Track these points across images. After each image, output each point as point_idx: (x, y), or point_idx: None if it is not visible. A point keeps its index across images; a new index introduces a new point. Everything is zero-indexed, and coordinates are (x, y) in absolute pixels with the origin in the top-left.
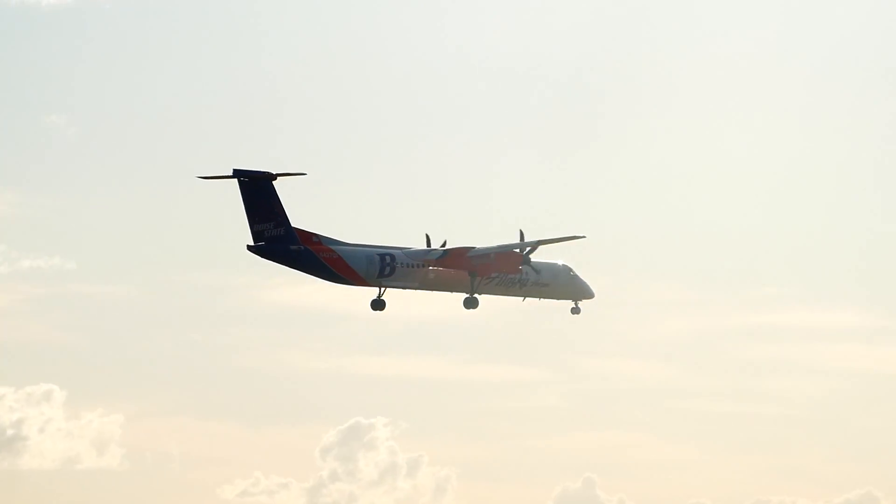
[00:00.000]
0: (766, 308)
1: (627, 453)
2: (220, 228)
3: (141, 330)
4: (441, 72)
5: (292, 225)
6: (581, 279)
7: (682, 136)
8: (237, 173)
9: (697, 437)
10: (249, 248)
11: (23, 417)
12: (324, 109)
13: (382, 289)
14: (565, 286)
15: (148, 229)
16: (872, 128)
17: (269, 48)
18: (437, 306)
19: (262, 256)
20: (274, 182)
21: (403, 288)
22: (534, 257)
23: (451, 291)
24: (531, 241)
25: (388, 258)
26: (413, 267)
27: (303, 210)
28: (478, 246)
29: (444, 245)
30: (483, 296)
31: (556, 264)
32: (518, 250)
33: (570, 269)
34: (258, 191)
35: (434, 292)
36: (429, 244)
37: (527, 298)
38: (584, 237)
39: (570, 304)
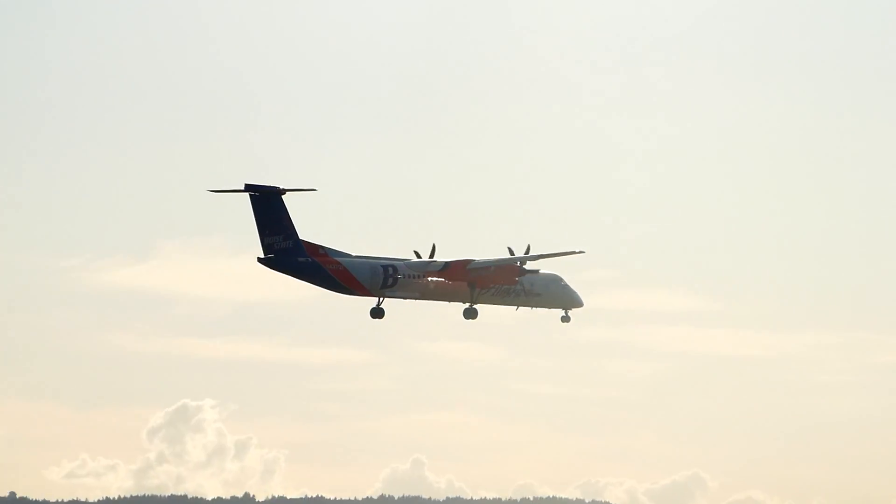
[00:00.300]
0: (597, 291)
1: (457, 435)
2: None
3: None
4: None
5: (300, 238)
6: (571, 289)
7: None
8: (248, 188)
9: (527, 419)
10: (260, 260)
11: None
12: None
13: (382, 298)
14: (557, 296)
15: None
16: (690, 107)
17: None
18: (265, 289)
19: (271, 268)
20: (283, 196)
21: (404, 298)
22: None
23: (451, 301)
24: (531, 255)
25: (390, 269)
26: (414, 278)
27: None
28: (477, 259)
29: (433, 249)
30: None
31: (548, 275)
32: (517, 263)
33: (561, 280)
34: (268, 205)
35: (434, 302)
36: (418, 257)
37: (520, 308)
38: (583, 252)
39: (561, 312)
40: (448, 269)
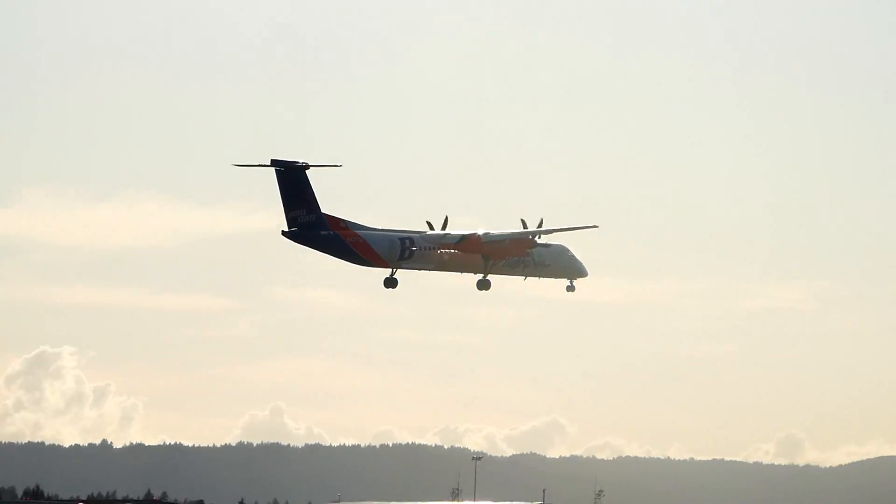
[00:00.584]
0: None
1: (316, 382)
2: None
3: None
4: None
5: (322, 211)
6: (577, 259)
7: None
8: (274, 163)
9: (386, 366)
10: (284, 233)
11: None
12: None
13: (397, 269)
14: (564, 266)
15: None
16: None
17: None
18: (126, 236)
19: (295, 241)
20: (307, 171)
21: (420, 269)
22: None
23: (465, 272)
24: (545, 230)
25: (407, 242)
26: (430, 250)
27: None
28: (490, 232)
29: (445, 221)
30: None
31: (556, 246)
32: (531, 237)
33: (568, 250)
34: (293, 180)
35: (450, 273)
36: (431, 228)
37: (528, 278)
38: (596, 226)
39: (566, 282)
40: (464, 241)
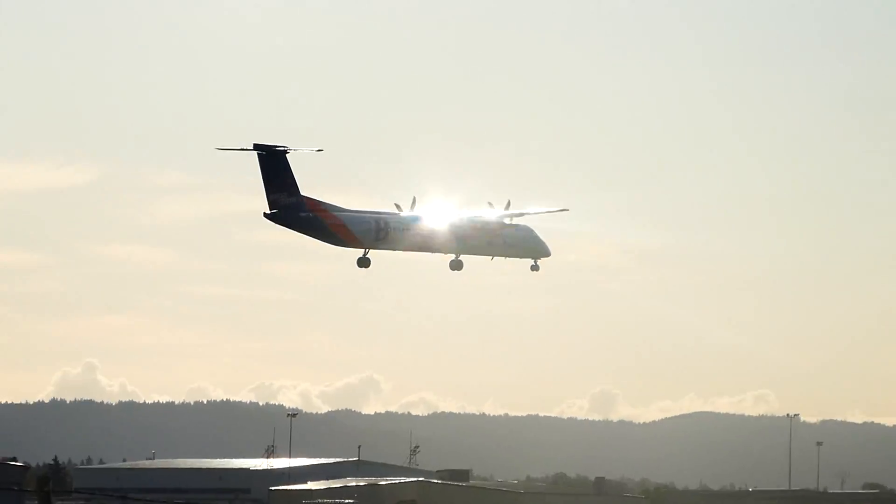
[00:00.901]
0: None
1: (129, 338)
2: None
3: None
4: None
5: (302, 194)
6: (541, 240)
7: None
8: (256, 147)
9: (200, 322)
10: (266, 215)
11: None
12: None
13: (367, 249)
14: (530, 247)
15: None
16: None
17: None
18: None
19: (276, 223)
20: (287, 155)
21: (394, 250)
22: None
23: (438, 253)
24: (515, 213)
25: (382, 223)
26: (404, 231)
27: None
28: (464, 214)
29: (413, 202)
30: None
31: (522, 227)
32: (503, 219)
33: (533, 231)
34: (274, 163)
35: (422, 253)
36: (399, 210)
37: (494, 258)
38: (567, 210)
39: (531, 262)
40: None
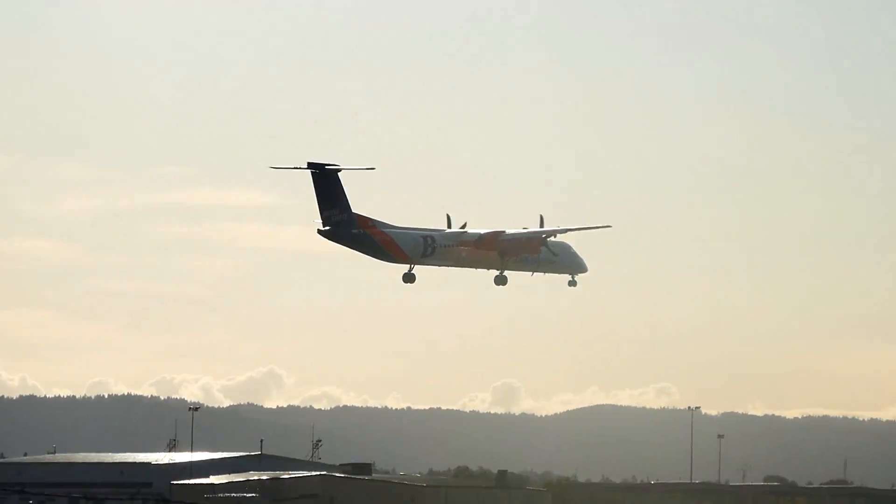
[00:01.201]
0: (171, 187)
1: (30, 332)
2: None
3: None
4: None
5: (353, 211)
6: (578, 256)
7: None
8: (310, 165)
9: (102, 316)
10: (319, 231)
11: None
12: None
13: (413, 265)
14: (567, 262)
15: None
16: None
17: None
18: None
19: (328, 239)
20: (339, 173)
21: (440, 265)
22: None
23: (481, 268)
24: (558, 229)
25: (429, 240)
26: (449, 247)
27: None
28: (508, 230)
29: (463, 226)
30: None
31: (560, 243)
32: (544, 235)
33: (570, 247)
34: (327, 181)
35: (466, 269)
36: (449, 224)
37: (535, 273)
38: (609, 226)
39: (568, 277)
40: (481, 239)
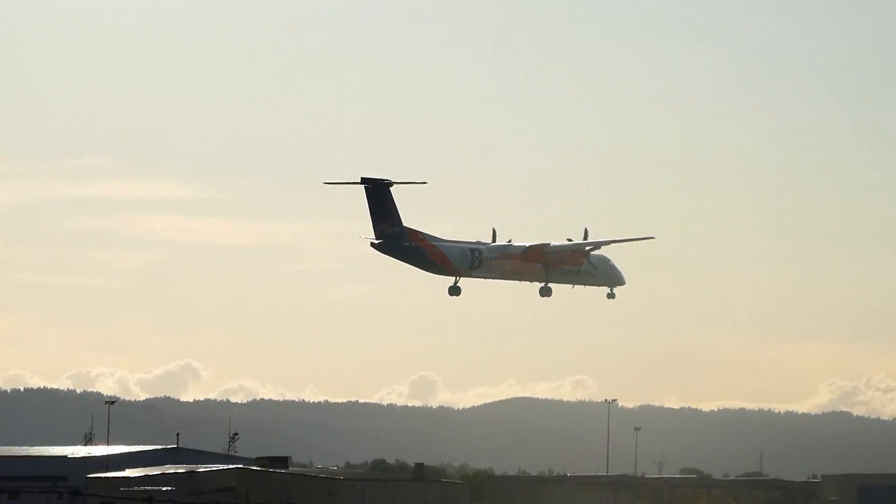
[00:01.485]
0: (89, 180)
1: None
2: None
3: None
4: None
5: (404, 224)
6: (617, 268)
7: None
8: (364, 181)
9: (17, 309)
10: (372, 244)
11: None
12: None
13: (460, 277)
14: (607, 275)
15: None
16: None
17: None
18: None
19: (381, 252)
20: (391, 188)
21: (486, 278)
22: None
23: (526, 280)
24: (602, 241)
25: (476, 253)
26: (496, 260)
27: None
28: (552, 243)
29: (509, 241)
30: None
31: (600, 256)
32: (588, 248)
33: (609, 260)
34: (380, 196)
35: (512, 282)
36: (494, 238)
37: (575, 286)
38: (653, 238)
39: (607, 290)
40: (527, 252)
